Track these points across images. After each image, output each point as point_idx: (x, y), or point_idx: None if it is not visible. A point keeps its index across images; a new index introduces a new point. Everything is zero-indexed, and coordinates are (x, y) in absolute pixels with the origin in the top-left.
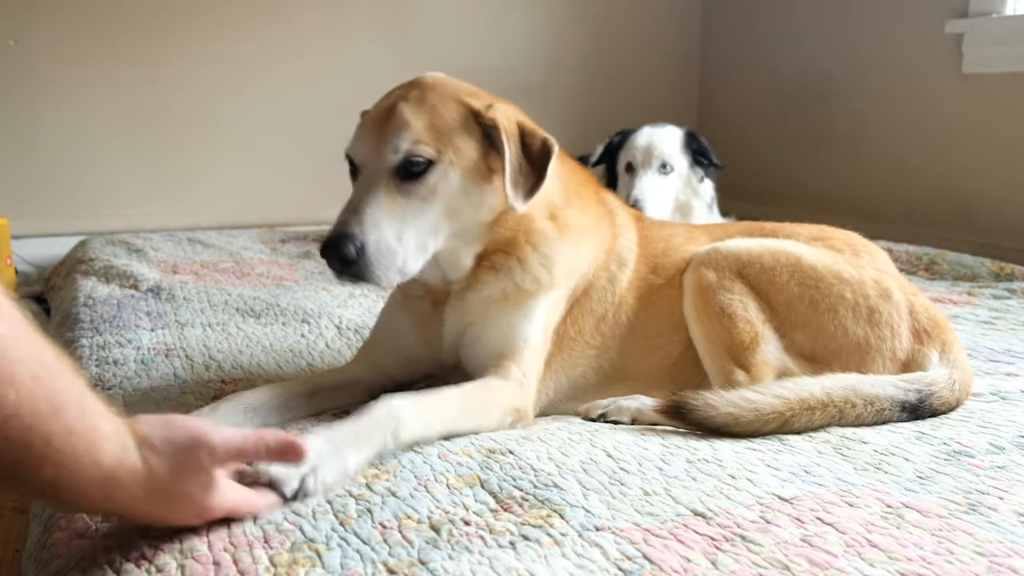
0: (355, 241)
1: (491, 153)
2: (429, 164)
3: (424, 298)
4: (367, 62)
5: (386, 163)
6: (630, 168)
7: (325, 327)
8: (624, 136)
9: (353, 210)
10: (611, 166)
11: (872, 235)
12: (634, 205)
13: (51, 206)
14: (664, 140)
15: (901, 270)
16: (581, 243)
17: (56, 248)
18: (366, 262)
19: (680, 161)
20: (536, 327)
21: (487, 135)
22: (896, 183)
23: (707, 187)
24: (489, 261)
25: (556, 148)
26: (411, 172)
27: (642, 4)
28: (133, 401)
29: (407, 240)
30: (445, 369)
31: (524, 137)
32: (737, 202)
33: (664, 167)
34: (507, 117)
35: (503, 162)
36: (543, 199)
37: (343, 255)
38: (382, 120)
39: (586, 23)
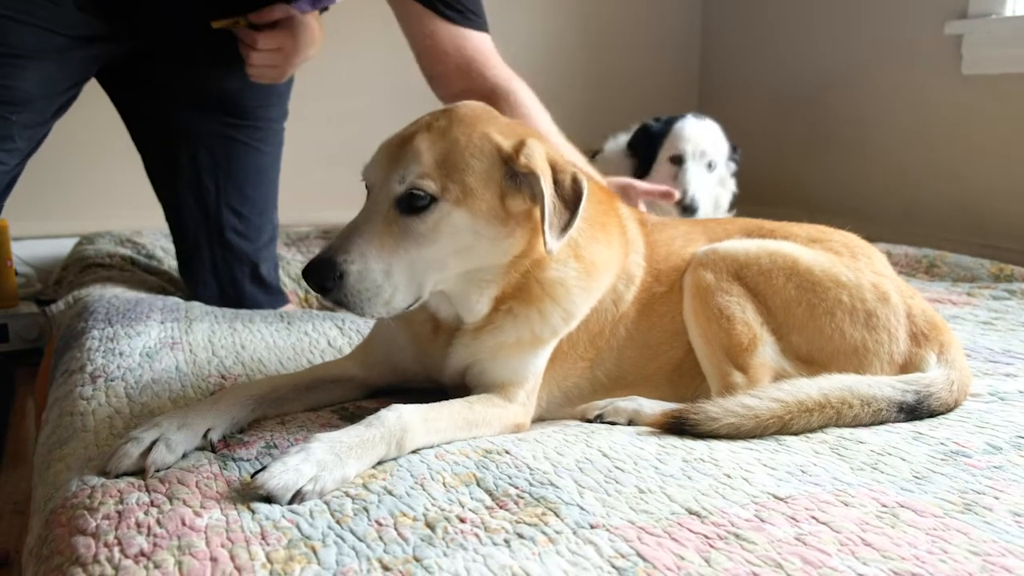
0: (335, 269)
1: (511, 194)
2: (432, 200)
3: (426, 322)
4: (367, 63)
5: (390, 192)
6: (676, 160)
7: (328, 327)
8: (667, 124)
9: (345, 236)
10: (645, 152)
11: (871, 236)
12: (690, 203)
13: (50, 208)
14: (714, 138)
15: (901, 272)
16: (602, 282)
17: (56, 250)
18: (346, 292)
19: (722, 158)
20: (544, 360)
21: (512, 175)
22: (895, 184)
23: (732, 184)
24: (507, 305)
25: (587, 185)
26: (413, 206)
27: (642, 5)
28: (134, 393)
29: (397, 275)
30: (441, 384)
31: (555, 175)
32: (737, 203)
33: (710, 165)
34: (541, 158)
35: (541, 208)
36: (535, 248)
37: (320, 282)
38: (398, 147)
39: (586, 23)
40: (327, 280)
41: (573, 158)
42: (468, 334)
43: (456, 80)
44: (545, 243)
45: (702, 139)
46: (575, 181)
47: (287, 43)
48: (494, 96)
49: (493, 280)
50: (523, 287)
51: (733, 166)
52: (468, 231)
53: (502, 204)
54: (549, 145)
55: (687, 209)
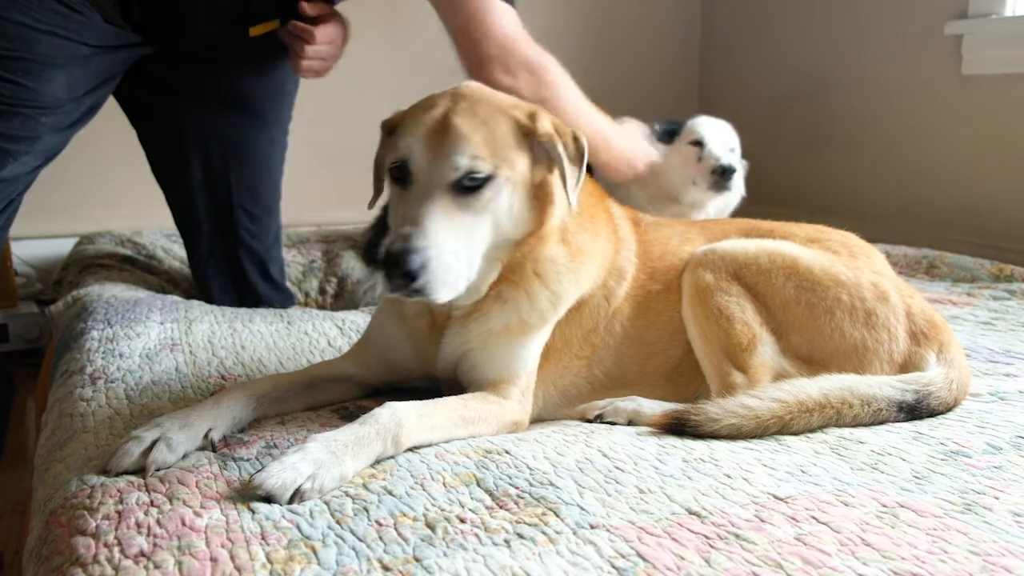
0: (421, 255)
1: (536, 164)
2: (488, 179)
3: (421, 316)
4: (366, 63)
5: (444, 177)
6: (697, 144)
7: (328, 327)
8: (676, 123)
9: (415, 223)
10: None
11: (871, 236)
12: (728, 166)
13: (50, 208)
14: (730, 129)
15: (901, 273)
16: (588, 269)
17: (56, 249)
18: (428, 278)
19: (739, 152)
20: (535, 353)
21: (531, 146)
22: (895, 184)
23: (742, 184)
24: (496, 290)
25: (586, 141)
26: (467, 187)
27: (642, 5)
28: (134, 394)
29: (462, 256)
30: (437, 381)
31: (560, 137)
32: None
33: (733, 150)
34: (551, 123)
35: (561, 170)
36: (557, 222)
37: (409, 270)
38: (437, 132)
39: (585, 23)
40: (415, 267)
41: (603, 126)
42: (457, 322)
43: (499, 62)
44: (569, 200)
45: (721, 128)
46: (577, 140)
47: (337, 36)
48: (532, 72)
49: (500, 259)
50: (517, 268)
51: (746, 164)
52: (507, 206)
53: (531, 175)
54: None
55: (724, 173)
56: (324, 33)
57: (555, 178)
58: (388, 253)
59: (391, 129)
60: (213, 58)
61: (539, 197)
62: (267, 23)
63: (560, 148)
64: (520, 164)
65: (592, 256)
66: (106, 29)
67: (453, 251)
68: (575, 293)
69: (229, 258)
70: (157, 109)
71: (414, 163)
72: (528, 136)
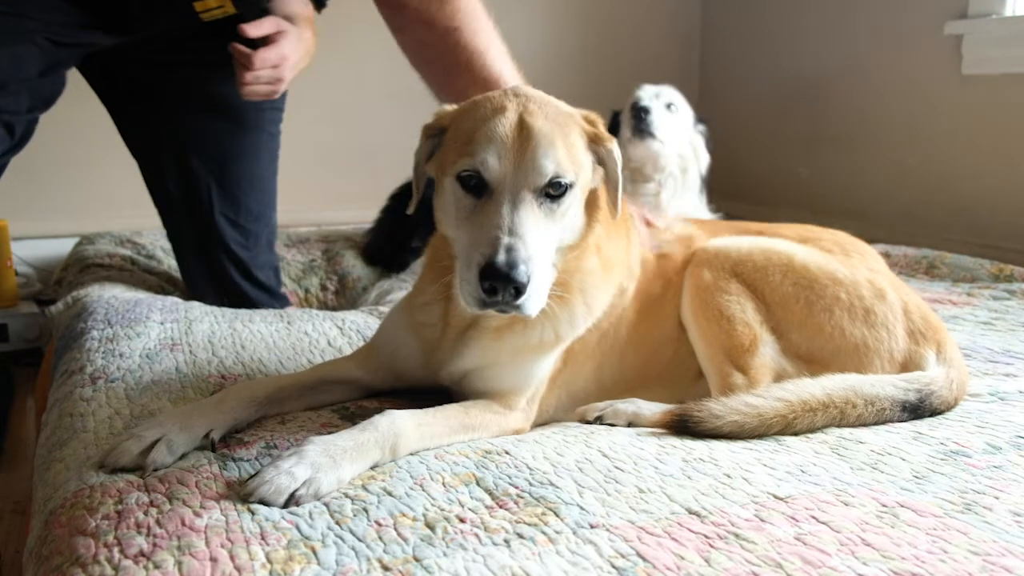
0: (528, 267)
1: (594, 167)
2: (568, 186)
3: (436, 326)
4: (366, 64)
5: (530, 184)
6: (635, 109)
7: (328, 327)
8: None
9: (512, 232)
10: (614, 128)
11: (871, 236)
12: (637, 110)
13: (50, 208)
14: (670, 89)
15: (900, 273)
16: (616, 279)
17: (56, 250)
18: (531, 290)
19: (684, 106)
20: (551, 365)
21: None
22: (895, 184)
23: (705, 156)
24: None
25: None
26: (550, 194)
27: (642, 5)
28: (134, 394)
29: (549, 265)
30: (441, 387)
31: None
32: (736, 202)
33: (670, 106)
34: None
35: (612, 176)
36: (593, 232)
37: (521, 284)
38: (522, 139)
39: (585, 22)
40: (526, 280)
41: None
42: (489, 334)
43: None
44: (617, 208)
45: (657, 87)
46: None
47: (282, 60)
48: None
49: (556, 266)
50: (563, 282)
51: (702, 129)
52: (575, 213)
53: (590, 182)
54: None
55: (638, 112)
56: (265, 58)
57: (600, 186)
58: (493, 267)
59: (435, 132)
60: (187, 59)
61: (587, 205)
62: (218, 6)
63: (616, 154)
64: (587, 170)
65: (620, 266)
66: (54, 3)
67: (545, 263)
68: (604, 307)
69: (214, 267)
70: (135, 112)
71: (493, 171)
72: (593, 142)
